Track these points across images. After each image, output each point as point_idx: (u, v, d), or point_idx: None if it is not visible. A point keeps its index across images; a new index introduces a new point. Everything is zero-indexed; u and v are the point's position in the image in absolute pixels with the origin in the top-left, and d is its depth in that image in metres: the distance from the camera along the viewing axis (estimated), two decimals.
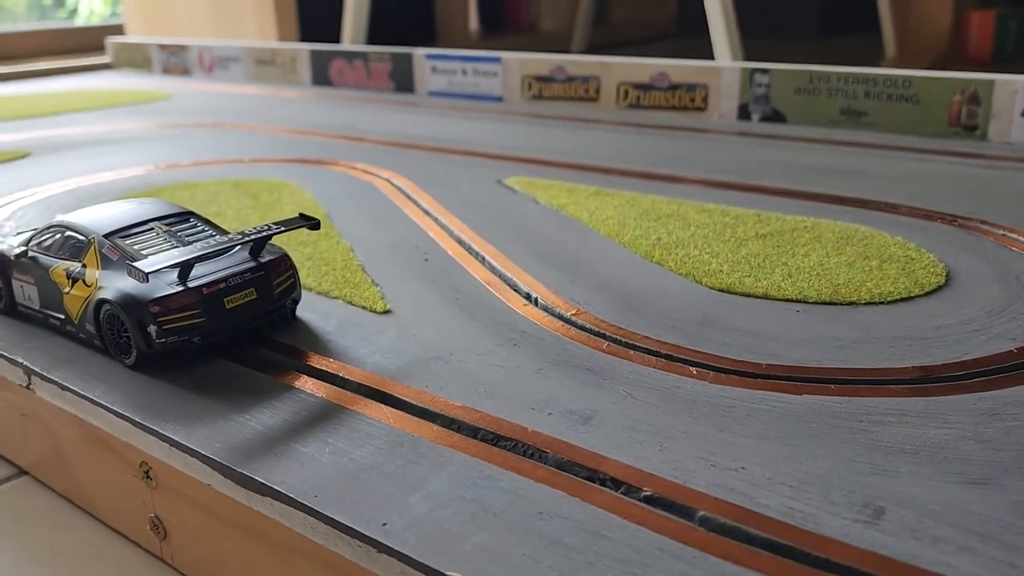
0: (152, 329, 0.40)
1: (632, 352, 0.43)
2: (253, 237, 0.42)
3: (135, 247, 0.43)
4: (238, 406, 0.38)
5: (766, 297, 0.49)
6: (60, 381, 0.41)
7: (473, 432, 0.36)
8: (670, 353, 0.42)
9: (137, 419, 0.37)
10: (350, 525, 0.30)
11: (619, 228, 0.61)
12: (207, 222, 0.46)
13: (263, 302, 0.43)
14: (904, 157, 0.84)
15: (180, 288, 0.40)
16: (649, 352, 0.43)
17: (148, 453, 0.38)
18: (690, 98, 1.06)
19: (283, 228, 0.44)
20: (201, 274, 0.41)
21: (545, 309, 0.48)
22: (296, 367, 0.42)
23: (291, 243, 0.60)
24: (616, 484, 0.32)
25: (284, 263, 0.44)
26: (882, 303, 0.48)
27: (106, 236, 0.43)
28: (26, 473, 0.47)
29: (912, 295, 0.49)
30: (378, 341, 0.44)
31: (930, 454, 0.34)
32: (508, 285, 0.52)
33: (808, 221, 0.61)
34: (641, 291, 0.50)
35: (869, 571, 0.28)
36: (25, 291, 0.47)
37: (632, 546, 0.29)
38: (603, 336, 0.45)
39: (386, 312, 0.48)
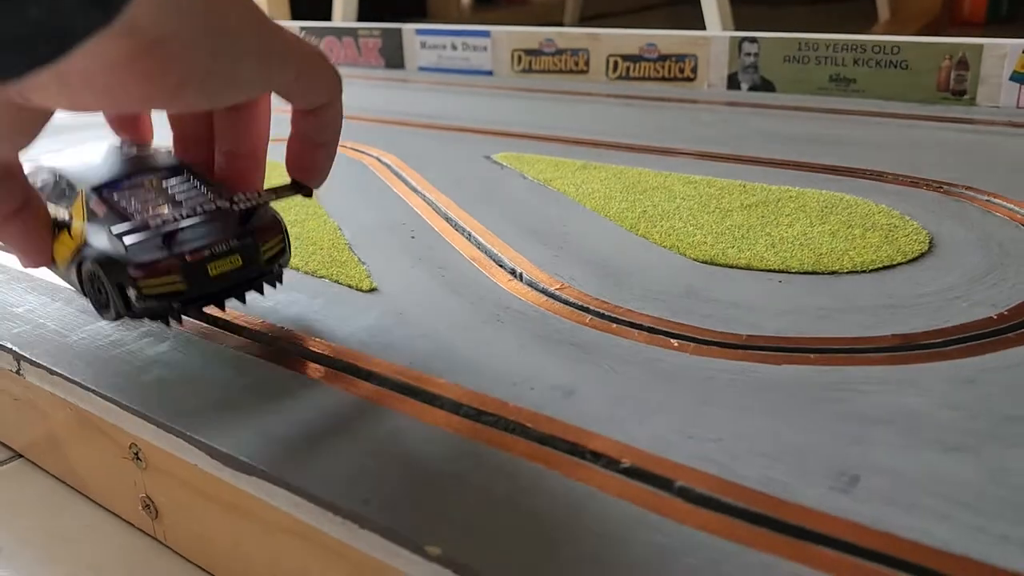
0: (132, 293, 0.38)
1: (615, 325, 0.43)
2: (242, 206, 0.40)
3: (122, 203, 0.41)
4: (223, 386, 0.39)
5: (749, 268, 0.49)
6: (48, 366, 0.41)
7: (455, 407, 0.36)
8: (652, 326, 0.43)
9: (124, 402, 0.38)
10: (332, 501, 0.31)
11: (605, 201, 0.62)
12: (201, 178, 0.44)
13: (249, 268, 0.41)
14: (892, 124, 0.84)
15: (163, 254, 0.39)
16: (632, 325, 0.43)
17: (136, 435, 0.38)
18: (679, 68, 1.06)
19: (274, 196, 0.42)
20: (186, 239, 0.40)
21: (530, 284, 0.49)
22: (282, 347, 0.42)
23: None
24: (596, 457, 0.33)
25: (274, 228, 0.43)
26: (864, 272, 0.48)
27: (94, 189, 0.41)
28: (21, 456, 0.47)
29: (895, 263, 0.49)
30: (363, 319, 0.45)
31: (907, 422, 0.34)
32: (493, 261, 0.52)
33: (793, 191, 0.62)
34: (625, 265, 0.51)
35: (844, 538, 0.28)
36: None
37: (610, 518, 0.29)
38: (586, 310, 0.45)
39: (372, 290, 0.49)
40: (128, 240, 0.37)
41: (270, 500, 0.33)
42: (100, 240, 0.39)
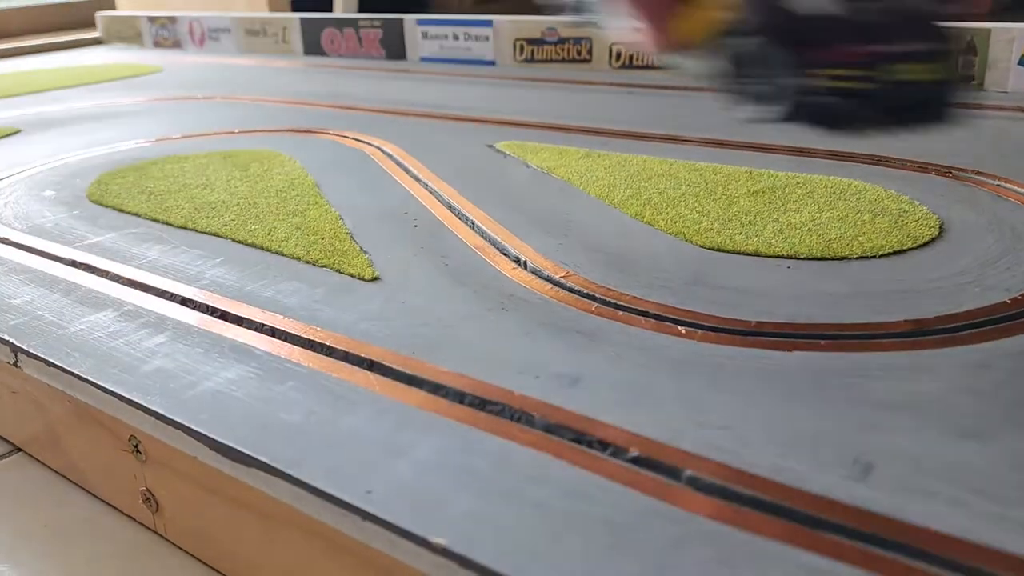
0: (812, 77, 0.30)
1: (621, 313, 0.42)
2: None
3: None
4: (223, 376, 0.38)
5: (757, 254, 0.48)
6: (46, 358, 0.41)
7: (459, 397, 0.35)
8: (659, 313, 0.42)
9: (123, 393, 0.37)
10: (335, 494, 0.30)
11: (609, 189, 0.61)
12: None
13: (946, 85, 0.32)
14: None
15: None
16: (638, 312, 0.42)
17: (136, 427, 0.38)
18: None
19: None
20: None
21: (534, 272, 0.48)
22: (283, 336, 0.42)
23: (280, 213, 0.59)
24: (603, 446, 0.32)
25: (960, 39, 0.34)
26: (874, 257, 0.47)
27: None
28: (20, 450, 0.47)
29: (905, 248, 0.48)
30: (366, 308, 0.44)
31: (921, 408, 0.33)
32: (497, 249, 0.52)
33: (800, 177, 0.61)
34: (631, 252, 0.50)
35: (859, 527, 0.27)
36: None
37: (619, 508, 0.29)
38: (592, 298, 0.44)
39: (374, 279, 0.48)
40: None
41: (271, 492, 0.32)
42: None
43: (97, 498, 0.43)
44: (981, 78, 0.87)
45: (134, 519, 0.41)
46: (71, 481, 0.44)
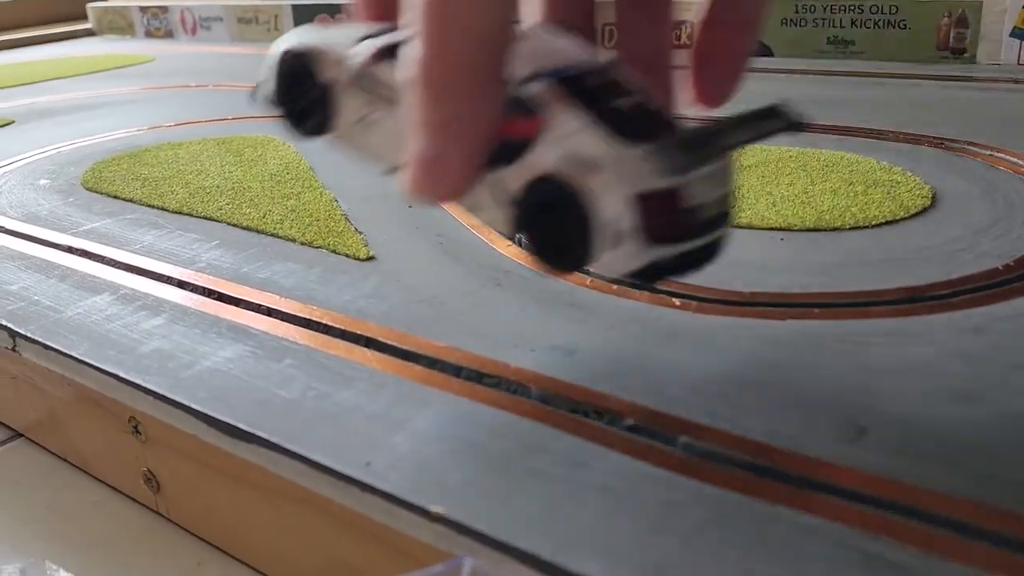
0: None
1: (615, 287, 0.43)
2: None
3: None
4: (221, 356, 0.38)
5: (750, 227, 0.49)
6: (44, 341, 0.41)
7: (456, 371, 0.36)
8: (653, 286, 0.42)
9: (122, 374, 0.37)
10: (333, 467, 0.30)
11: None
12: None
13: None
14: (892, 84, 0.83)
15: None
16: (633, 286, 0.43)
17: (135, 408, 0.38)
18: (677, 35, 1.05)
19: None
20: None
21: (529, 249, 0.48)
22: (280, 315, 0.42)
23: (274, 197, 0.59)
24: (600, 415, 0.32)
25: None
26: (867, 227, 0.48)
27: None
28: (22, 436, 0.47)
29: (897, 218, 0.48)
30: (361, 287, 0.44)
31: (915, 373, 0.34)
32: (492, 227, 0.52)
33: (793, 151, 0.61)
34: None
35: (852, 487, 0.28)
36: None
37: (616, 474, 0.29)
38: (586, 272, 0.44)
39: (370, 259, 0.48)
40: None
41: (271, 468, 0.32)
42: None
43: (99, 481, 0.43)
44: (973, 51, 0.87)
45: (136, 501, 0.41)
46: (73, 465, 0.44)
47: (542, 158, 0.28)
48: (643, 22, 0.34)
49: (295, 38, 0.35)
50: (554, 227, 0.29)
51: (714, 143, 0.27)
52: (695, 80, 0.33)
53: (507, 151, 0.29)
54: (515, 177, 0.29)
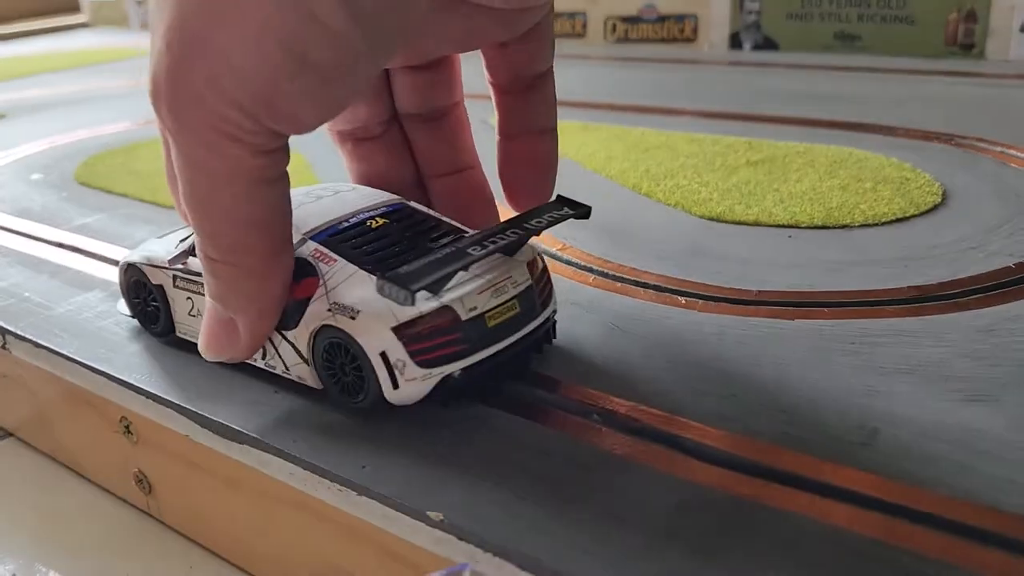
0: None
1: (619, 284, 0.42)
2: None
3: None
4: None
5: (757, 224, 0.48)
6: (34, 339, 0.40)
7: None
8: (658, 284, 0.41)
9: (112, 373, 0.36)
10: (329, 469, 0.29)
11: (606, 162, 0.60)
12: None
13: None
14: (900, 79, 0.82)
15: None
16: (637, 284, 0.42)
17: (125, 407, 0.37)
18: (679, 29, 1.04)
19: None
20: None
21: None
22: None
23: None
24: (603, 416, 0.31)
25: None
26: (876, 224, 0.47)
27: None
28: (11, 435, 0.46)
29: (907, 215, 0.47)
30: None
31: (926, 373, 0.33)
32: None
33: (801, 147, 0.60)
34: (628, 223, 0.49)
35: (864, 491, 0.27)
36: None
37: (621, 477, 0.28)
38: (589, 270, 0.43)
39: None
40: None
41: (263, 469, 0.32)
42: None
43: (90, 482, 0.42)
44: (982, 47, 0.86)
45: (127, 502, 0.40)
46: (63, 465, 0.43)
47: (318, 311, 0.31)
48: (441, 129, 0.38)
49: (134, 253, 0.39)
50: (345, 371, 0.31)
51: (459, 260, 0.29)
52: (504, 188, 0.36)
53: (294, 311, 0.31)
54: (302, 332, 0.31)
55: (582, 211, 0.34)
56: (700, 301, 0.39)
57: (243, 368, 0.36)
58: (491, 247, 0.30)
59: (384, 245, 0.32)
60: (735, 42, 1.00)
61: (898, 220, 0.47)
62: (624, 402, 0.32)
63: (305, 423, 0.32)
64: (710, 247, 0.45)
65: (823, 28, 0.94)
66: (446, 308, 0.30)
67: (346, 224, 0.33)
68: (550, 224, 0.32)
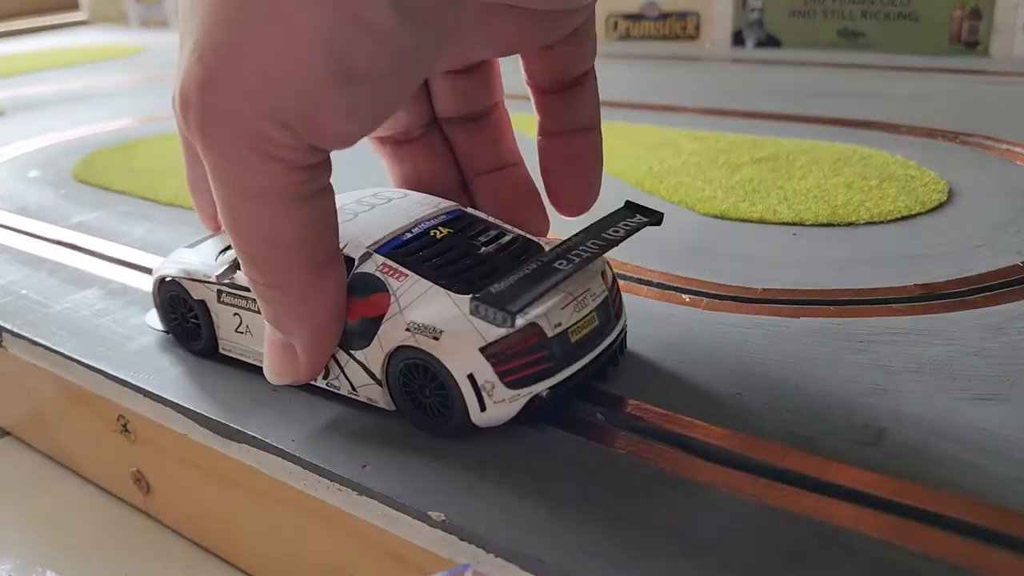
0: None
1: (622, 282, 0.41)
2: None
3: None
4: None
5: (761, 222, 0.47)
6: (31, 337, 0.39)
7: None
8: (662, 282, 0.41)
9: (110, 371, 0.36)
10: (329, 468, 0.29)
11: (608, 159, 0.59)
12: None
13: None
14: (904, 77, 0.82)
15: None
16: (640, 282, 0.41)
17: (123, 405, 0.36)
18: (681, 27, 1.03)
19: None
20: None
21: None
22: None
23: None
24: (607, 417, 0.31)
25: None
26: (882, 222, 0.46)
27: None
28: (8, 434, 0.46)
29: (913, 213, 0.47)
30: None
31: (933, 372, 0.32)
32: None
33: (805, 144, 0.59)
34: None
35: (872, 491, 0.26)
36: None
37: (627, 479, 0.28)
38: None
39: None
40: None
41: (262, 469, 0.31)
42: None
43: (88, 481, 0.41)
44: (987, 44, 0.86)
45: (125, 501, 0.40)
46: (61, 464, 0.43)
47: (394, 331, 0.29)
48: (482, 144, 0.35)
49: (169, 265, 0.36)
50: (425, 395, 0.29)
51: (550, 277, 0.28)
52: (549, 193, 0.34)
53: (364, 330, 0.30)
54: (376, 353, 0.30)
55: (655, 218, 0.32)
56: (704, 299, 0.39)
57: (243, 367, 0.35)
58: (577, 261, 0.29)
59: (453, 258, 0.30)
60: (738, 40, 1.00)
61: (904, 218, 0.47)
62: (628, 401, 0.31)
63: (305, 422, 0.31)
64: (714, 245, 0.45)
65: (826, 25, 0.94)
66: (533, 325, 0.28)
67: (409, 235, 0.31)
68: (628, 234, 0.31)
